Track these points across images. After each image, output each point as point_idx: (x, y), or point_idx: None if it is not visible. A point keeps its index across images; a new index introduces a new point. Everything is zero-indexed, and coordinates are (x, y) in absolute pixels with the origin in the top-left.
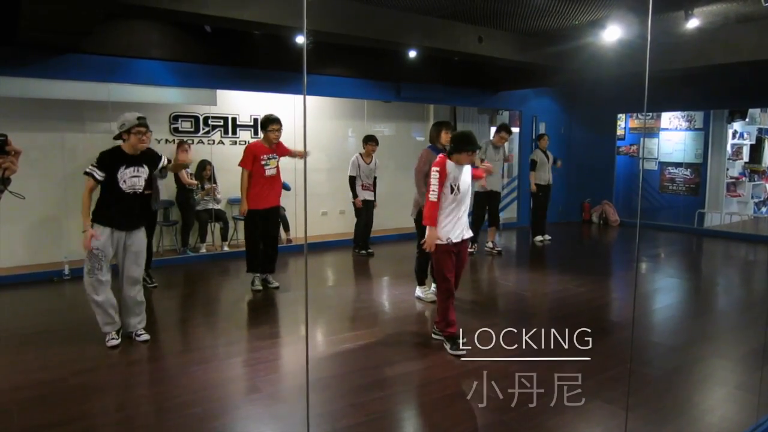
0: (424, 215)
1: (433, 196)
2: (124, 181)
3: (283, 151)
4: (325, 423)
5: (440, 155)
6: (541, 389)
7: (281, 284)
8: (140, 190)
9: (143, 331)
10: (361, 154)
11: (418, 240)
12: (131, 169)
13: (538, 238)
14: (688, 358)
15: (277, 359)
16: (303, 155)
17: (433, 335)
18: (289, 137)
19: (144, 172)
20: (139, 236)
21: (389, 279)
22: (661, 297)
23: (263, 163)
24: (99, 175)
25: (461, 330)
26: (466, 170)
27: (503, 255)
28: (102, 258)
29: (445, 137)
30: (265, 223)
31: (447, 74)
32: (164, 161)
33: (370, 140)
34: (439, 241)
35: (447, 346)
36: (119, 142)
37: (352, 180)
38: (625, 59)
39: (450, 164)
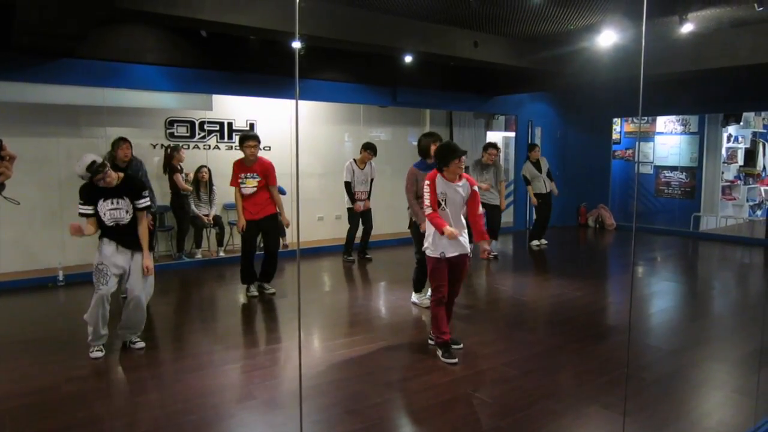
0: (435, 226)
1: (427, 210)
2: (104, 214)
3: (269, 177)
4: (321, 430)
5: (433, 170)
6: (539, 394)
7: (277, 289)
8: (125, 222)
9: (138, 339)
10: (355, 159)
11: (416, 248)
12: (109, 201)
13: (534, 242)
14: (685, 362)
15: (273, 366)
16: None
17: (429, 341)
18: (285, 141)
19: (125, 204)
20: (141, 257)
21: (386, 284)
22: (657, 301)
23: (240, 181)
24: (88, 209)
25: (458, 335)
26: (462, 187)
27: (500, 260)
28: (107, 273)
29: (434, 149)
30: (261, 234)
31: (443, 79)
32: (145, 203)
33: (367, 148)
34: (431, 254)
35: (439, 354)
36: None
37: (348, 185)
38: (620, 63)
39: (439, 179)
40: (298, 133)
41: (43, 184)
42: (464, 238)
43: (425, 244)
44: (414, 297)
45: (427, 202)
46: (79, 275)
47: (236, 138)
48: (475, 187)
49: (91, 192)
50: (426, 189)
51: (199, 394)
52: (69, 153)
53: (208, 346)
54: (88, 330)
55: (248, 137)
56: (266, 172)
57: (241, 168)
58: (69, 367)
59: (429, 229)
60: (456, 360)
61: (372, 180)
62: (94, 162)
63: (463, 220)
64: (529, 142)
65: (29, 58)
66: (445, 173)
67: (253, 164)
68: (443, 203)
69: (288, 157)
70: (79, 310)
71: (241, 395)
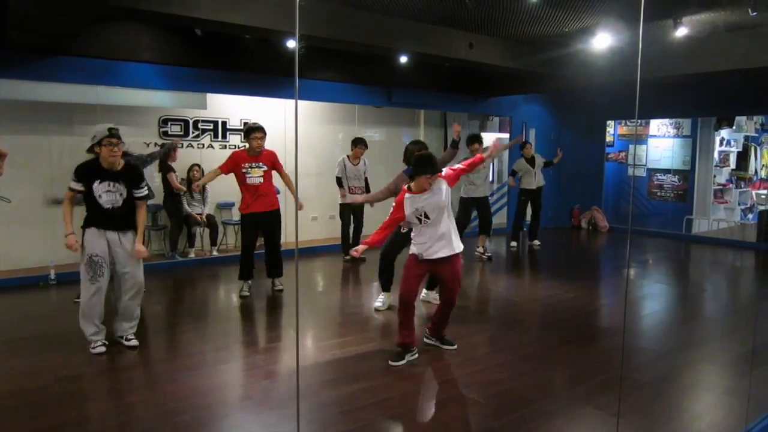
0: (372, 236)
1: (382, 227)
2: (100, 196)
3: (275, 164)
4: (315, 430)
5: (403, 188)
6: (532, 395)
7: (271, 289)
8: (119, 206)
9: (133, 337)
10: (348, 156)
11: (384, 248)
12: (106, 183)
13: (513, 243)
14: (677, 364)
15: (266, 366)
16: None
17: (425, 339)
18: (279, 141)
19: (121, 188)
20: (133, 236)
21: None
22: (649, 303)
23: (244, 171)
24: (77, 186)
25: (452, 336)
26: (436, 192)
27: (493, 260)
28: (103, 264)
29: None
30: (262, 228)
31: (438, 80)
32: (145, 192)
33: (358, 143)
34: (410, 252)
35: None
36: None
37: (339, 180)
38: (615, 66)
39: (409, 200)
40: (297, 133)
41: (35, 182)
42: (451, 242)
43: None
44: (382, 297)
45: (387, 221)
46: (71, 274)
47: (230, 137)
48: (443, 172)
49: (89, 172)
50: (391, 210)
51: (192, 394)
52: (62, 151)
53: (201, 346)
54: (85, 326)
55: (255, 129)
56: (273, 160)
57: (244, 158)
58: (61, 366)
59: (413, 236)
60: (402, 363)
61: (366, 177)
62: (117, 129)
63: (451, 224)
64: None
65: (23, 54)
66: (413, 186)
67: (258, 155)
68: (424, 216)
69: (282, 157)
70: (70, 310)
71: (234, 395)
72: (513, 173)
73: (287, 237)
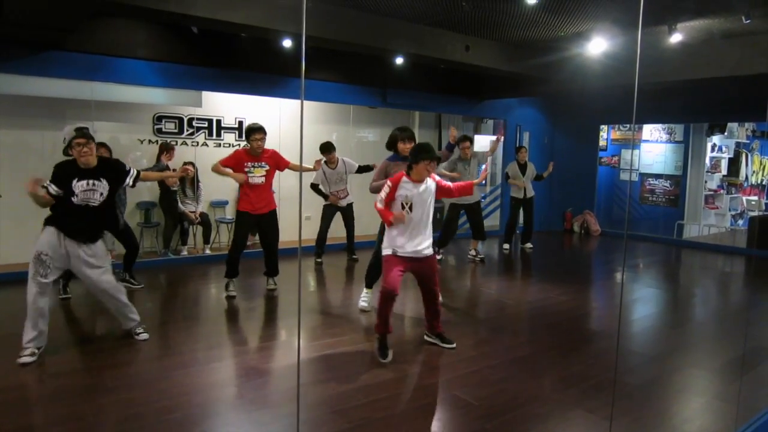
0: (382, 218)
1: (379, 204)
2: (76, 195)
3: (278, 162)
4: (308, 429)
5: (400, 171)
6: (524, 398)
7: (264, 288)
8: (95, 204)
9: (141, 330)
10: (325, 161)
11: (377, 246)
12: (84, 182)
13: (528, 245)
14: (668, 368)
15: (260, 364)
16: (299, 168)
17: (425, 337)
18: (273, 140)
19: (101, 185)
20: (98, 246)
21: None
22: (640, 307)
23: (246, 170)
24: (54, 189)
25: (449, 336)
26: (427, 188)
27: (485, 263)
28: (49, 264)
29: (401, 147)
30: (259, 228)
31: (433, 82)
32: (133, 174)
33: (325, 150)
34: (385, 252)
35: (375, 346)
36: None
37: (314, 186)
38: (610, 71)
39: (405, 184)
40: (302, 133)
41: (26, 177)
42: (427, 242)
43: (384, 244)
44: (366, 296)
45: (382, 195)
46: None
47: (225, 135)
48: (437, 177)
49: (67, 171)
50: (386, 189)
51: (184, 392)
52: (54, 146)
53: (192, 344)
54: (25, 330)
55: (256, 129)
56: (276, 159)
57: (247, 157)
58: (49, 363)
59: (389, 233)
60: (389, 359)
61: (350, 174)
62: (86, 128)
63: (428, 228)
64: (516, 145)
65: (16, 49)
66: (412, 173)
67: (260, 155)
68: (407, 207)
69: None
70: (62, 305)
71: (227, 393)
72: (506, 177)
73: (283, 236)
